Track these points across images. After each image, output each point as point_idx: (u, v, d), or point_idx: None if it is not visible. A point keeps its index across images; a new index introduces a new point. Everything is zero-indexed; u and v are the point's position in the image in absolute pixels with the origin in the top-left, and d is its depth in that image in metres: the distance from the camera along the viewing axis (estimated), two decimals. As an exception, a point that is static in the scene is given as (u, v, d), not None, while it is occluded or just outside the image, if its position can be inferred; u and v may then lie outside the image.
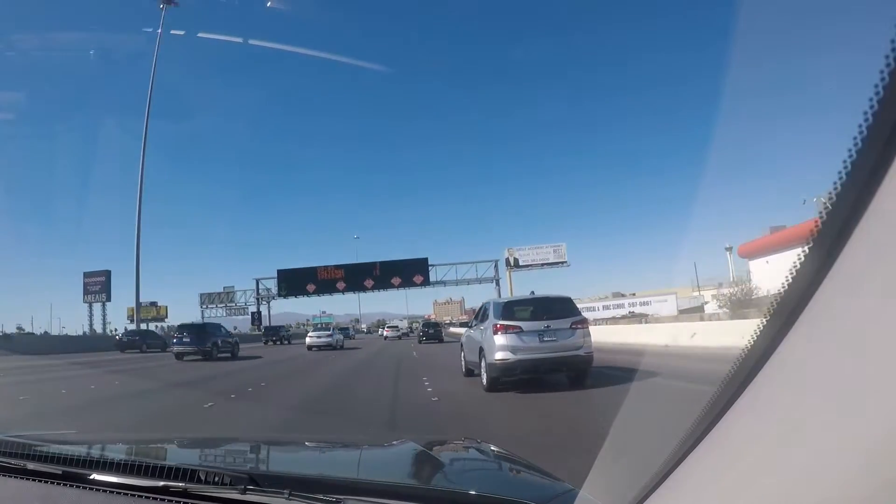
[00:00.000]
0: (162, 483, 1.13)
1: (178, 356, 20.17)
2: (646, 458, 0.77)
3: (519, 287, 45.94)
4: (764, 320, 0.59)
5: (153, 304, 54.30)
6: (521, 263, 47.23)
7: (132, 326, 45.34)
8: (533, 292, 9.40)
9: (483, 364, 8.21)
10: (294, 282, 51.02)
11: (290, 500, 1.02)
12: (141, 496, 1.13)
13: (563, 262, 47.46)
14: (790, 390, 0.54)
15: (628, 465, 1.06)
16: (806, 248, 0.54)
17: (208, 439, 2.35)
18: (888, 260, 0.45)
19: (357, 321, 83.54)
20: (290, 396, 8.85)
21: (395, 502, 1.02)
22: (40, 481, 1.25)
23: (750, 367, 0.59)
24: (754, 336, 0.60)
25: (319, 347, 26.47)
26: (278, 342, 37.92)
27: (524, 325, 7.86)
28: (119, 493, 1.16)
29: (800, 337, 0.54)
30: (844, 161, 0.50)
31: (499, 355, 7.65)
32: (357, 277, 50.05)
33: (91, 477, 1.20)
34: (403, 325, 66.18)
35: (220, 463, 1.52)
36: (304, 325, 75.73)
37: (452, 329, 51.63)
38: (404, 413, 6.78)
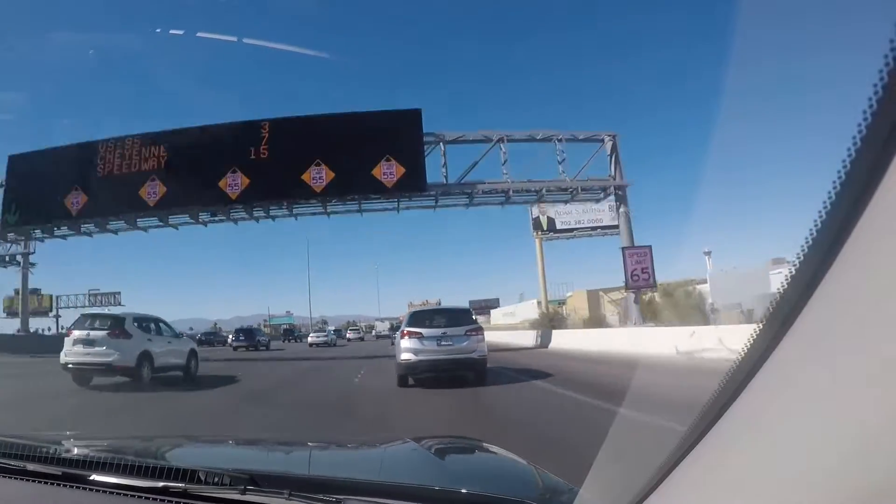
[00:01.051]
0: (162, 484, 1.13)
1: (235, 349, 31.60)
2: (644, 459, 0.77)
3: (552, 266, 30.77)
4: (762, 322, 0.59)
5: (35, 291, 36.01)
6: (558, 227, 31.96)
7: (9, 320, 36.77)
8: (439, 301, 11.07)
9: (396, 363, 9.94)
10: (42, 189, 20.20)
11: (290, 500, 1.02)
12: (141, 497, 1.13)
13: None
14: (787, 392, 0.55)
15: (627, 466, 1.07)
16: (805, 249, 0.54)
17: (208, 439, 2.36)
18: (885, 262, 0.45)
19: (325, 322, 67.13)
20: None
21: (394, 502, 1.02)
22: (40, 482, 1.25)
23: (747, 369, 0.59)
24: (752, 338, 0.60)
25: (318, 345, 36.17)
26: (292, 340, 52.18)
27: (425, 331, 9.41)
28: (119, 493, 1.16)
29: (797, 339, 0.54)
30: (843, 161, 0.50)
31: (403, 356, 9.26)
32: (205, 172, 18.70)
33: (91, 478, 1.20)
34: (384, 326, 68.94)
35: (220, 463, 1.53)
36: (262, 324, 64.29)
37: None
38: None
